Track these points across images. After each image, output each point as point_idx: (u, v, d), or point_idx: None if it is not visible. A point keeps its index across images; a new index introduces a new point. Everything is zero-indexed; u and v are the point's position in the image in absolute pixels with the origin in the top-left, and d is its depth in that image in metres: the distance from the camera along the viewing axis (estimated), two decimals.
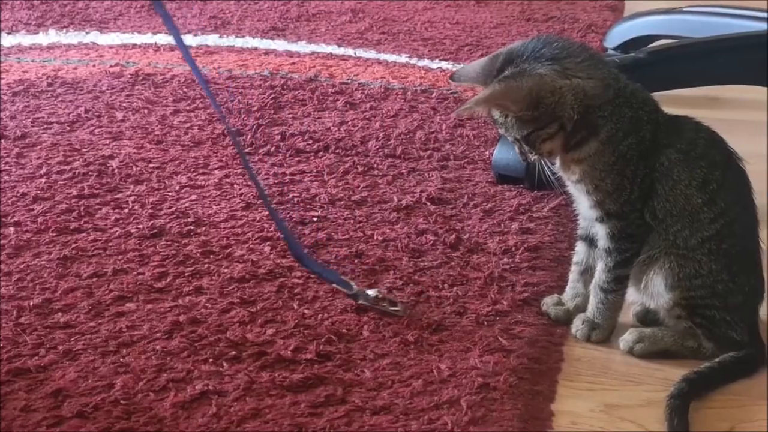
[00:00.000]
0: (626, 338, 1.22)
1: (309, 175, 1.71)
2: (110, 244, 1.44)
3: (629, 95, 1.18)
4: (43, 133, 1.87)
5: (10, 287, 1.31)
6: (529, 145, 1.19)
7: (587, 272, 1.27)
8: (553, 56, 1.16)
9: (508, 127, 1.19)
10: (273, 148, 1.82)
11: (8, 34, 2.60)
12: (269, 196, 1.61)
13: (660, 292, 1.20)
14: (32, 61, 2.34)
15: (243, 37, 2.62)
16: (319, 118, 1.99)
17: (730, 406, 1.12)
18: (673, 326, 1.21)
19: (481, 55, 2.47)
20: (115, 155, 1.76)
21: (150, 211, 1.55)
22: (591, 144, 1.18)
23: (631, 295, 1.25)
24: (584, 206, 1.23)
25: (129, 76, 2.21)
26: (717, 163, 1.19)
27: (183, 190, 1.63)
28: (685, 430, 1.06)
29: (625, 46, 2.26)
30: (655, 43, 2.16)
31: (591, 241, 1.26)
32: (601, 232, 1.22)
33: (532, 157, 1.21)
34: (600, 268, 1.23)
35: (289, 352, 1.17)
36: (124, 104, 2.04)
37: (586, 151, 1.18)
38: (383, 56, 2.46)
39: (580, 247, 1.28)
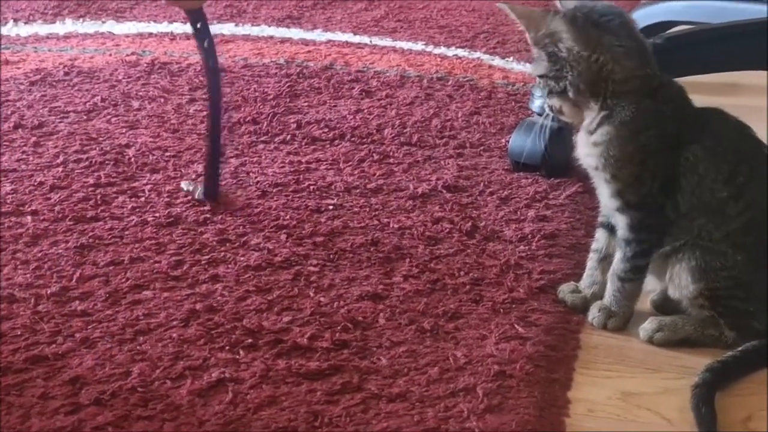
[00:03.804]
0: (646, 327, 1.21)
1: (325, 163, 1.71)
2: (127, 232, 1.44)
3: (656, 88, 1.18)
4: (60, 122, 1.88)
5: (28, 275, 1.31)
6: (570, 88, 1.19)
7: (606, 260, 1.26)
8: (608, 28, 1.21)
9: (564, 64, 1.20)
10: (289, 137, 1.82)
11: (25, 23, 2.60)
12: (285, 185, 1.61)
13: (685, 284, 1.19)
14: (49, 50, 2.35)
15: (259, 25, 2.62)
16: (334, 106, 1.99)
17: (749, 394, 1.11)
18: (695, 315, 1.20)
19: (497, 43, 2.47)
20: (131, 144, 1.77)
21: (166, 199, 1.55)
22: (606, 128, 1.18)
23: (649, 283, 1.24)
24: (605, 195, 1.23)
25: (145, 65, 2.21)
26: (745, 157, 1.18)
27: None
28: (713, 419, 1.05)
29: (643, 33, 2.23)
30: (672, 29, 2.14)
31: (612, 229, 1.25)
32: (621, 222, 1.21)
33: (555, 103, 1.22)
34: (618, 257, 1.22)
35: (305, 339, 1.17)
36: (141, 93, 2.04)
37: (601, 135, 1.18)
38: (399, 44, 2.46)
39: (600, 235, 1.27)
